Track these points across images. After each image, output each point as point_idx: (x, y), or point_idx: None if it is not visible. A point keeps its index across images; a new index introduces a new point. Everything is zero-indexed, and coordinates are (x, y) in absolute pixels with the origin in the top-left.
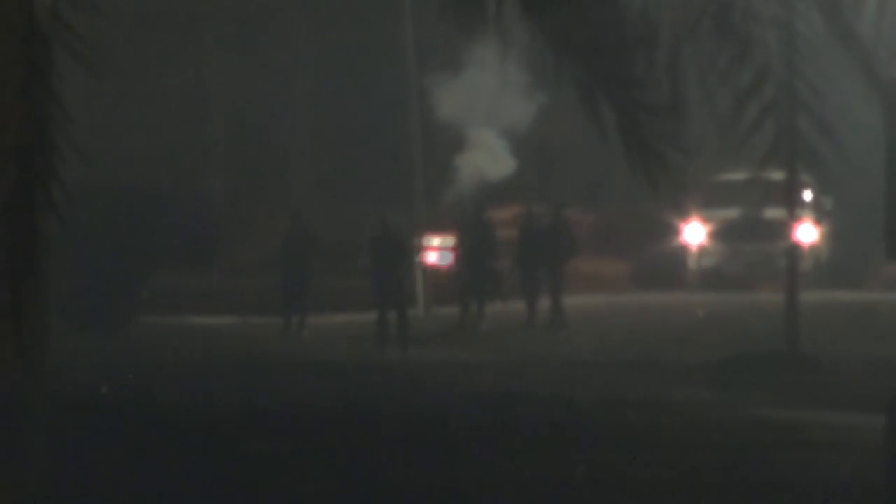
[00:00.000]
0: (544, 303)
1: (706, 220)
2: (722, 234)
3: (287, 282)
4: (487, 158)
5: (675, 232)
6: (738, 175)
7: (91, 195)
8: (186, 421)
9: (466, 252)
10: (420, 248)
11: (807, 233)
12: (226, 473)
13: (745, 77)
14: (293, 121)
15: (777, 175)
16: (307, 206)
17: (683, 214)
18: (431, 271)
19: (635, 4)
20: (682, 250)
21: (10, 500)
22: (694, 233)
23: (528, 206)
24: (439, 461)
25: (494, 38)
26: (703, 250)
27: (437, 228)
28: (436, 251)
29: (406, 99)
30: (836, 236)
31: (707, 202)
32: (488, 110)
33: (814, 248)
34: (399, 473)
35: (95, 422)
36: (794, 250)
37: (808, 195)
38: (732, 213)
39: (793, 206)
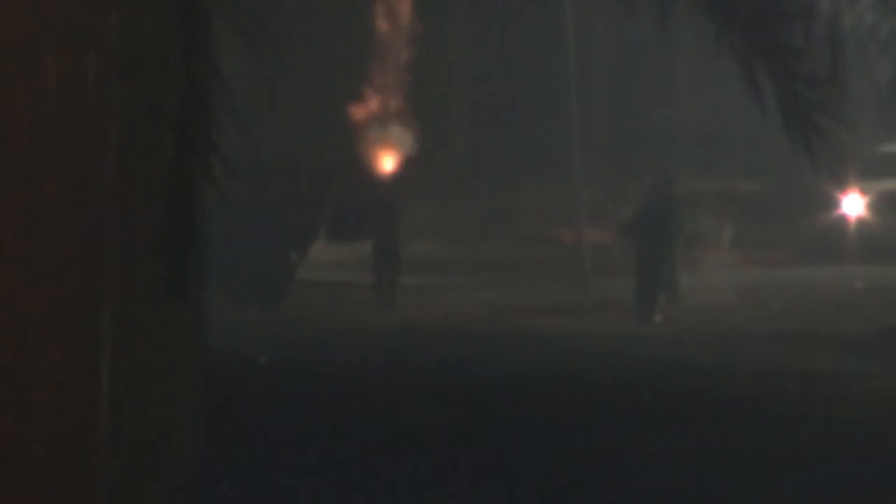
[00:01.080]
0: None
1: (865, 191)
2: (881, 205)
3: None
4: None
5: (833, 204)
6: None
7: (249, 168)
8: (346, 390)
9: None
10: None
11: None
12: (394, 442)
13: None
14: (454, 97)
15: None
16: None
17: (842, 186)
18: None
19: None
20: (842, 222)
21: (172, 475)
22: (853, 205)
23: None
24: (598, 431)
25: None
26: (861, 222)
27: None
28: None
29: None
30: None
31: (866, 174)
32: None
33: None
34: (558, 442)
35: (254, 394)
36: None
37: None
38: (892, 184)
39: None
